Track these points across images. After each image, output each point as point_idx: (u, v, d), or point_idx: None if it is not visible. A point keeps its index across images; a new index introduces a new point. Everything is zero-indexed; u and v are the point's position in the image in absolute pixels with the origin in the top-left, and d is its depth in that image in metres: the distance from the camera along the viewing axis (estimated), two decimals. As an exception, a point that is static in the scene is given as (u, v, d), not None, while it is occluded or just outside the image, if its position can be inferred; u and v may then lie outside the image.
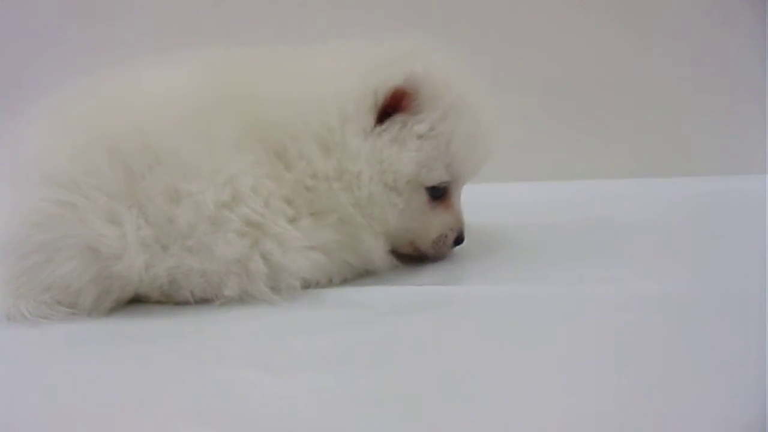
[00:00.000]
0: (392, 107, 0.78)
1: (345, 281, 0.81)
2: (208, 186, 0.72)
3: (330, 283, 0.80)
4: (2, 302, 0.74)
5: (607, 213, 1.10)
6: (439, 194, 0.83)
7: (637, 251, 0.89)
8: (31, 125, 0.78)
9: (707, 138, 1.40)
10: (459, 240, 0.87)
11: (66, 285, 0.72)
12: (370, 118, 0.78)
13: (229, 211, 0.72)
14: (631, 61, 1.42)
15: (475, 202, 0.90)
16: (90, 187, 0.71)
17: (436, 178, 0.81)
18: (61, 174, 0.72)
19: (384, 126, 0.78)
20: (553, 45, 1.44)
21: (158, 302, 0.78)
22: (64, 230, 0.71)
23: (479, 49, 1.03)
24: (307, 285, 0.77)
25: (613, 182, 1.32)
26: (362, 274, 0.82)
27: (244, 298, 0.74)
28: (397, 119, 0.78)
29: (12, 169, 0.76)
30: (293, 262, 0.75)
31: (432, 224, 0.84)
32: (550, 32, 1.44)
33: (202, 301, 0.76)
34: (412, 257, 0.87)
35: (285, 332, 0.68)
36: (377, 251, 0.81)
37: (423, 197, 0.82)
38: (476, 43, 1.16)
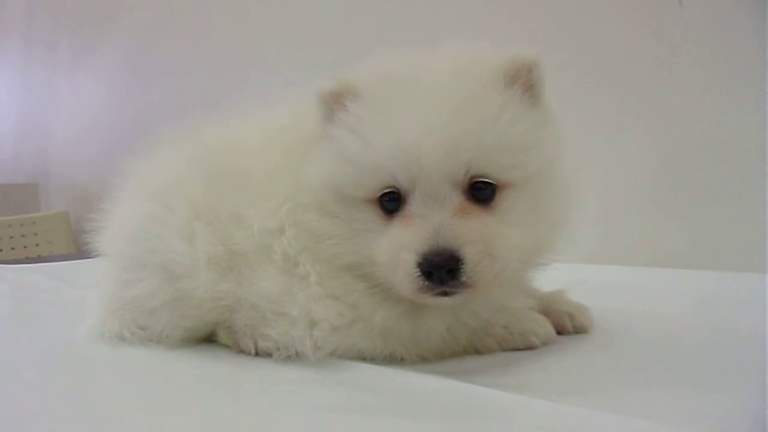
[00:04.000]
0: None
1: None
2: (258, 211, 0.72)
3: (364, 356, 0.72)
4: (97, 319, 0.81)
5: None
6: (392, 207, 0.68)
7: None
8: (152, 157, 0.85)
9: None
10: (428, 264, 0.62)
11: (143, 304, 0.76)
12: None
13: (272, 239, 0.72)
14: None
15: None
16: (178, 197, 0.76)
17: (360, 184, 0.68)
18: (160, 188, 0.78)
19: None
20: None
21: (226, 346, 0.79)
22: (149, 245, 0.75)
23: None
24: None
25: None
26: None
27: (288, 345, 0.72)
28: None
29: (128, 189, 0.84)
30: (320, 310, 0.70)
31: (378, 246, 0.67)
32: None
33: (265, 354, 0.75)
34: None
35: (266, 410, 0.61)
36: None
37: (366, 214, 0.69)
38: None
